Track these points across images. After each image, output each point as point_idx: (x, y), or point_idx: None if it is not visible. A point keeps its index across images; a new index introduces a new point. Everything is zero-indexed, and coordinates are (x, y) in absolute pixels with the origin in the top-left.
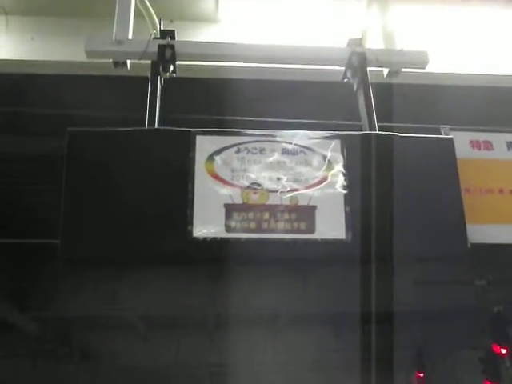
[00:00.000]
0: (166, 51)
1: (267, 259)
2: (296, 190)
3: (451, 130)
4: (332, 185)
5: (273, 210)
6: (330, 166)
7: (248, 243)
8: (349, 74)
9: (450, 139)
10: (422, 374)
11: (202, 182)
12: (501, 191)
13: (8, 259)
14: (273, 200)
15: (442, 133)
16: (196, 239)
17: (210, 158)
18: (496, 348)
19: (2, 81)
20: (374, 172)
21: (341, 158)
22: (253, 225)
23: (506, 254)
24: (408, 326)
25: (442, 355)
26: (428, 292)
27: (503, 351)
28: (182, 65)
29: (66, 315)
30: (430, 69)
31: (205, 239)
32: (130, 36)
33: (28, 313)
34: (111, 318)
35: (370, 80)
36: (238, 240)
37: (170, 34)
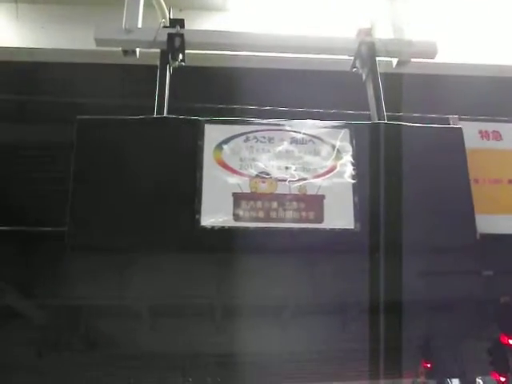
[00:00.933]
0: (175, 40)
1: (275, 249)
2: (304, 179)
3: (460, 119)
4: (340, 174)
5: (281, 199)
6: (338, 156)
7: (256, 232)
8: (358, 64)
9: (459, 129)
10: (429, 364)
11: (211, 171)
12: (510, 181)
13: (15, 247)
14: (281, 189)
15: (451, 123)
16: (204, 228)
17: (219, 146)
18: (504, 339)
19: (12, 69)
20: (383, 162)
21: (349, 148)
22: (261, 214)
23: None
24: (416, 316)
25: (449, 346)
26: (436, 282)
27: (511, 342)
28: (190, 53)
29: (73, 303)
30: (438, 59)
31: (213, 228)
32: (140, 25)
33: (34, 300)
34: (118, 307)
35: (379, 70)
36: (246, 229)
37: (179, 22)
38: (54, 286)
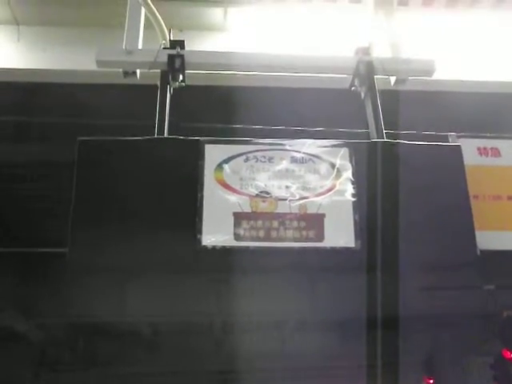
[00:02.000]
0: (175, 61)
1: (276, 268)
2: (305, 198)
3: (459, 137)
4: (341, 193)
5: (282, 218)
6: (338, 174)
7: (257, 252)
8: (356, 83)
9: (458, 146)
10: (431, 380)
11: (211, 191)
12: (509, 198)
13: (14, 266)
14: (282, 208)
15: (450, 140)
16: (205, 247)
17: (219, 166)
18: (506, 353)
19: (13, 89)
20: (382, 180)
21: (349, 166)
22: (261, 233)
23: None
24: (417, 332)
25: (451, 361)
26: (437, 298)
27: None
28: (190, 73)
29: (73, 322)
30: (436, 76)
31: (214, 248)
32: (140, 46)
33: (34, 320)
34: (118, 325)
35: (378, 87)
36: (246, 248)
37: (180, 43)
38: (52, 305)
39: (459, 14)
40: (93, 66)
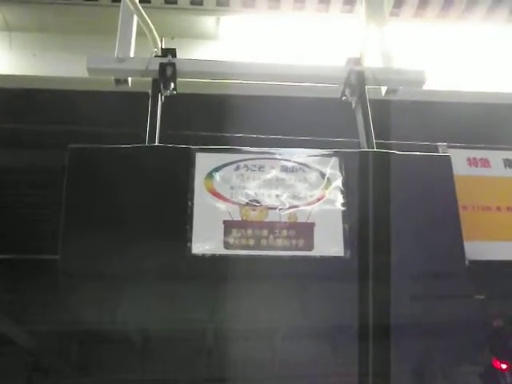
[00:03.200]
0: (167, 69)
1: (266, 276)
2: (295, 206)
3: (449, 147)
4: (331, 202)
5: (271, 226)
6: (328, 184)
7: (247, 260)
8: (347, 92)
9: (448, 157)
10: None
11: (202, 199)
12: (498, 208)
13: (5, 273)
14: (272, 217)
15: (440, 150)
16: (195, 256)
17: (210, 175)
18: (496, 363)
19: (4, 96)
20: (372, 189)
21: (339, 176)
22: (251, 242)
23: (504, 272)
24: (408, 342)
25: (441, 370)
26: (427, 307)
27: (503, 366)
28: (181, 81)
29: (64, 329)
30: (427, 86)
31: (204, 256)
32: (132, 54)
33: (25, 327)
34: (110, 333)
35: (369, 97)
36: (236, 257)
37: (171, 52)
38: (45, 312)
39: (450, 25)
40: (84, 73)
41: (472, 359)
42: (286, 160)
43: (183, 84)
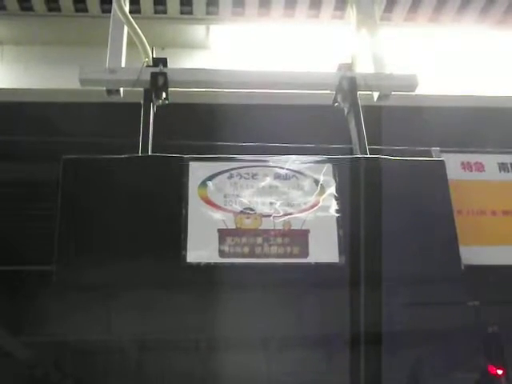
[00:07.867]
0: (158, 79)
1: (261, 284)
2: (289, 214)
3: (442, 152)
4: (325, 208)
5: (266, 234)
6: (322, 190)
7: (241, 268)
8: (339, 99)
9: (442, 161)
10: None
11: (196, 208)
12: (493, 213)
13: (1, 284)
14: (266, 224)
15: (433, 155)
16: (190, 264)
17: (203, 183)
18: (492, 369)
19: None
20: (366, 195)
21: (333, 182)
22: (246, 249)
23: (499, 276)
24: (402, 348)
25: (437, 377)
26: (422, 313)
27: (499, 372)
28: (174, 90)
29: (60, 340)
30: (420, 90)
31: (198, 264)
32: (123, 64)
33: (20, 337)
34: (105, 343)
35: (361, 103)
36: (231, 265)
37: (162, 61)
38: (39, 323)
39: (442, 28)
40: (77, 85)
41: (467, 365)
42: (279, 167)
43: (175, 94)
